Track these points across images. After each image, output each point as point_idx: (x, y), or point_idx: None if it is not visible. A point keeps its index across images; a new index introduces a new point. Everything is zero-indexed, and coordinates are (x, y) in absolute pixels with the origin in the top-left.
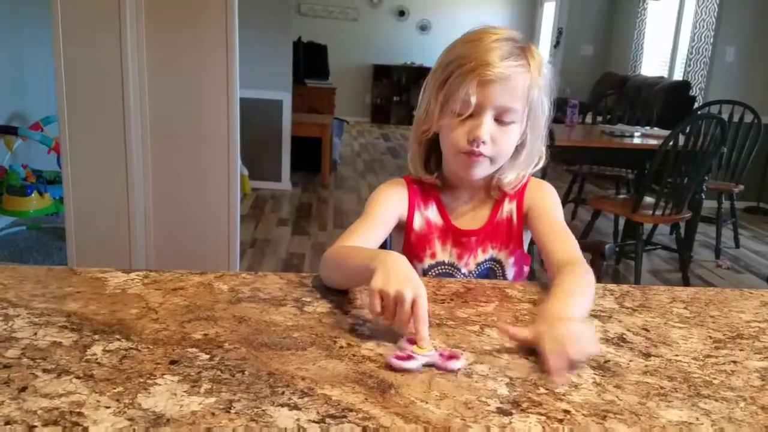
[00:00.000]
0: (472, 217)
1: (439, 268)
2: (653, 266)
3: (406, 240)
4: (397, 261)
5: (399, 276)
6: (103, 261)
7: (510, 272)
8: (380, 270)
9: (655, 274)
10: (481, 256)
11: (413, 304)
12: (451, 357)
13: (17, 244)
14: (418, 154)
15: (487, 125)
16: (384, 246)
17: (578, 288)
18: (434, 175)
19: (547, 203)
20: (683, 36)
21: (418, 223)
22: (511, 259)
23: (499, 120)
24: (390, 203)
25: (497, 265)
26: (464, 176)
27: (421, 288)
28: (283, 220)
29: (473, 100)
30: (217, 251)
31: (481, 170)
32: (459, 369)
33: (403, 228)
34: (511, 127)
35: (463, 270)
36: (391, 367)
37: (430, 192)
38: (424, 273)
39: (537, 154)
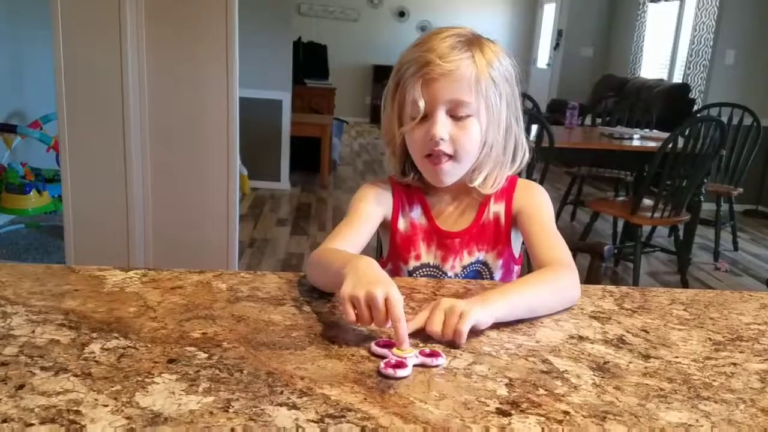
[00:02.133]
0: (456, 219)
1: (423, 270)
2: (652, 268)
3: (391, 241)
4: (366, 264)
5: (368, 277)
6: (102, 259)
7: (498, 274)
8: (349, 276)
9: (654, 276)
10: (467, 259)
11: (387, 303)
12: (432, 355)
13: (16, 242)
14: (392, 160)
15: (441, 122)
16: (378, 246)
17: (533, 281)
18: (411, 176)
19: (538, 205)
20: (683, 38)
21: (402, 223)
22: (499, 261)
23: (453, 116)
24: (372, 203)
25: (484, 268)
26: (435, 183)
27: (392, 286)
28: (282, 220)
29: (421, 102)
30: (215, 250)
31: (448, 174)
32: (441, 366)
33: (389, 228)
34: (468, 122)
35: (449, 273)
36: (384, 377)
37: (414, 193)
38: (410, 275)
39: (511, 151)
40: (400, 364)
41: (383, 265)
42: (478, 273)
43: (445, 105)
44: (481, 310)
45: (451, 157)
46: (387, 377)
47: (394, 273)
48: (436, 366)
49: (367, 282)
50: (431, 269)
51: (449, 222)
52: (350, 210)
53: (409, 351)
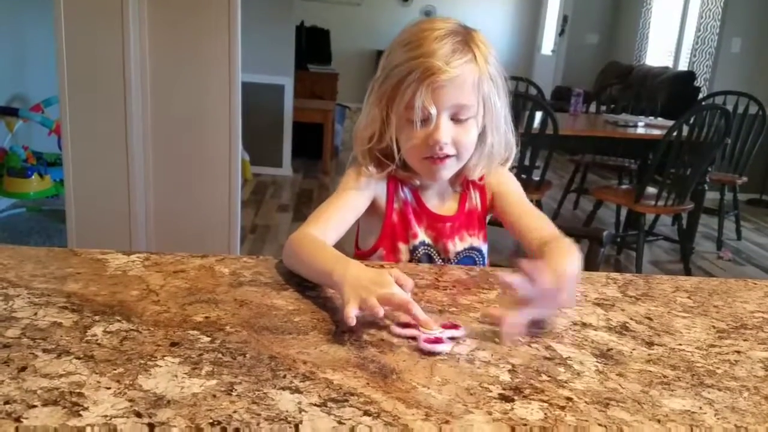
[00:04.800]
0: (441, 205)
1: (422, 248)
2: (654, 257)
3: (386, 222)
4: (356, 271)
5: (367, 281)
6: (103, 244)
7: (486, 261)
8: (346, 289)
9: (657, 264)
10: (460, 245)
11: (394, 297)
12: (453, 326)
13: (17, 226)
14: (367, 156)
15: (445, 128)
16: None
17: (573, 253)
18: (392, 168)
19: (513, 187)
20: (689, 26)
21: (397, 203)
22: (485, 247)
23: (455, 119)
24: (363, 186)
25: (478, 255)
26: (432, 180)
27: (387, 277)
28: (284, 206)
29: (432, 109)
30: (217, 236)
31: (448, 171)
32: (463, 336)
33: (382, 209)
34: (469, 123)
35: (442, 256)
36: (423, 352)
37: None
38: (411, 253)
39: (501, 146)
40: (438, 340)
41: (374, 250)
42: (474, 261)
43: (449, 110)
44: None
45: (453, 156)
46: (430, 353)
47: (390, 255)
48: (460, 336)
49: (368, 288)
50: (427, 248)
51: (437, 207)
52: (340, 188)
53: (435, 329)
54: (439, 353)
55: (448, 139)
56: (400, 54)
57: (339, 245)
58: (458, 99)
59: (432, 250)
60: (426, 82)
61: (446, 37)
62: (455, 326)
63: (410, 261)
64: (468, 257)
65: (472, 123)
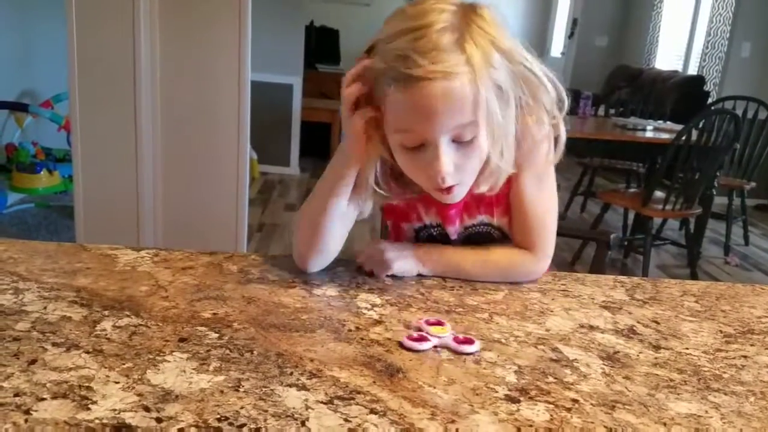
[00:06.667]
0: None
1: (426, 230)
2: (661, 261)
3: (389, 204)
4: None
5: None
6: (111, 240)
7: (508, 233)
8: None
9: (663, 269)
10: (469, 221)
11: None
12: (466, 341)
13: (26, 221)
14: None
15: (446, 157)
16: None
17: (482, 251)
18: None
19: (523, 181)
20: (699, 30)
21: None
22: (504, 221)
23: (457, 141)
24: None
25: (490, 228)
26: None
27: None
28: (291, 205)
29: (428, 136)
30: (224, 234)
31: (459, 196)
32: (474, 353)
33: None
34: (474, 143)
35: (453, 236)
36: (402, 346)
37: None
38: (416, 234)
39: (509, 162)
40: (421, 339)
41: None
42: (484, 234)
43: (447, 134)
44: (404, 265)
45: (460, 184)
46: (407, 349)
47: (395, 232)
48: (470, 353)
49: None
50: (434, 229)
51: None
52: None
53: (443, 331)
54: (415, 350)
55: (450, 169)
56: (389, 47)
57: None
58: (455, 120)
59: (439, 230)
60: (413, 103)
61: (441, 32)
62: (469, 341)
63: (416, 240)
64: (477, 233)
65: (478, 141)
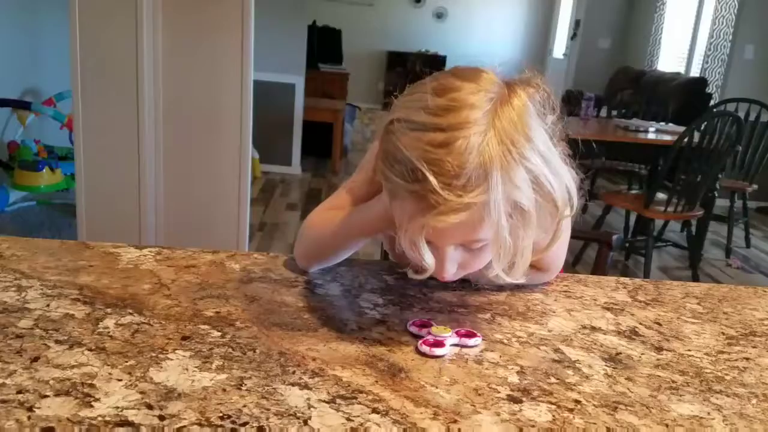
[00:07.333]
0: None
1: None
2: (663, 263)
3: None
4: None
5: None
6: (113, 238)
7: None
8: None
9: (665, 271)
10: None
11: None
12: (468, 335)
13: (28, 219)
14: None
15: (449, 263)
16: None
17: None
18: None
19: None
20: (702, 32)
21: None
22: None
23: (465, 246)
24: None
25: None
26: None
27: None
28: (293, 204)
29: (434, 242)
30: (226, 233)
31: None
32: (478, 346)
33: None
34: (483, 249)
35: None
36: (421, 354)
37: None
38: None
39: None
40: (437, 343)
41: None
42: None
43: (455, 244)
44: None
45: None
46: (424, 355)
47: (389, 239)
48: (474, 347)
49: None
50: None
51: None
52: (363, 169)
53: (446, 331)
54: (433, 356)
55: (453, 270)
56: (413, 149)
57: None
58: (467, 236)
59: None
60: (425, 218)
61: (464, 157)
62: (472, 334)
63: None
64: None
65: (487, 248)
